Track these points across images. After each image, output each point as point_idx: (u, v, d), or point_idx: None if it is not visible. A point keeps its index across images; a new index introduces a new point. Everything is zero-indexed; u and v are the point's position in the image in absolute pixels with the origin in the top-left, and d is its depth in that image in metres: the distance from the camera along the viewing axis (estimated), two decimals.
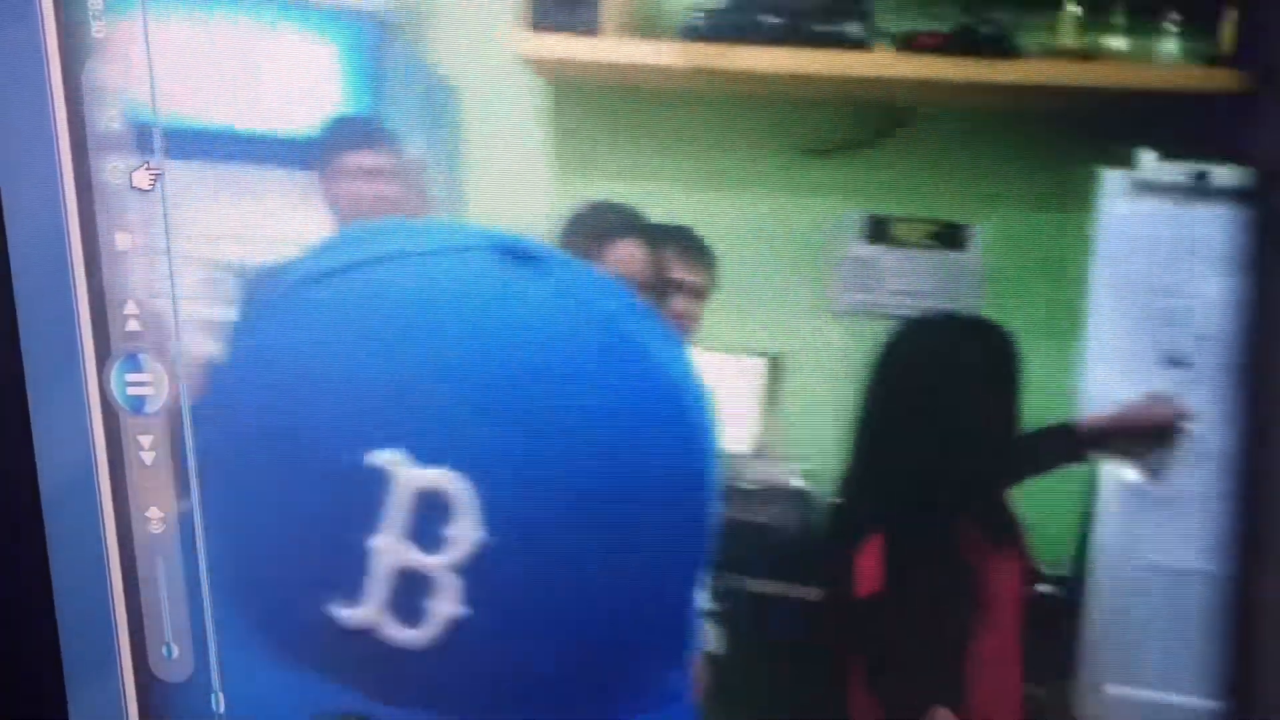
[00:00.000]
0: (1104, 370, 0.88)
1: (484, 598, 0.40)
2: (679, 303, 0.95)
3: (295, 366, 0.40)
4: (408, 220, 0.82)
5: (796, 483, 1.01)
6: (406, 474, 0.38)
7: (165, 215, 0.49)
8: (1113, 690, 0.92)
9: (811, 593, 0.97)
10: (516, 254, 0.41)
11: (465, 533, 0.40)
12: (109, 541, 0.51)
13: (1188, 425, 0.85)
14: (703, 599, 0.45)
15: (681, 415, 0.43)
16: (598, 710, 0.42)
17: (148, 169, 0.49)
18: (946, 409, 0.94)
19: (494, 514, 0.39)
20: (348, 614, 0.40)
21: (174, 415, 0.50)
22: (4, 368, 0.50)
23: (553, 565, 0.40)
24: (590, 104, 0.95)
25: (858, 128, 0.95)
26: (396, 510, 0.39)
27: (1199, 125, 0.86)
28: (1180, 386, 0.88)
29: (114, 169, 0.49)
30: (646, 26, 0.96)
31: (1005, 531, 0.93)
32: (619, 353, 0.42)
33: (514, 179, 0.91)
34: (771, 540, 1.00)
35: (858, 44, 0.91)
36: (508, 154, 0.91)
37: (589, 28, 0.90)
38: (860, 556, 0.94)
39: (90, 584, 0.52)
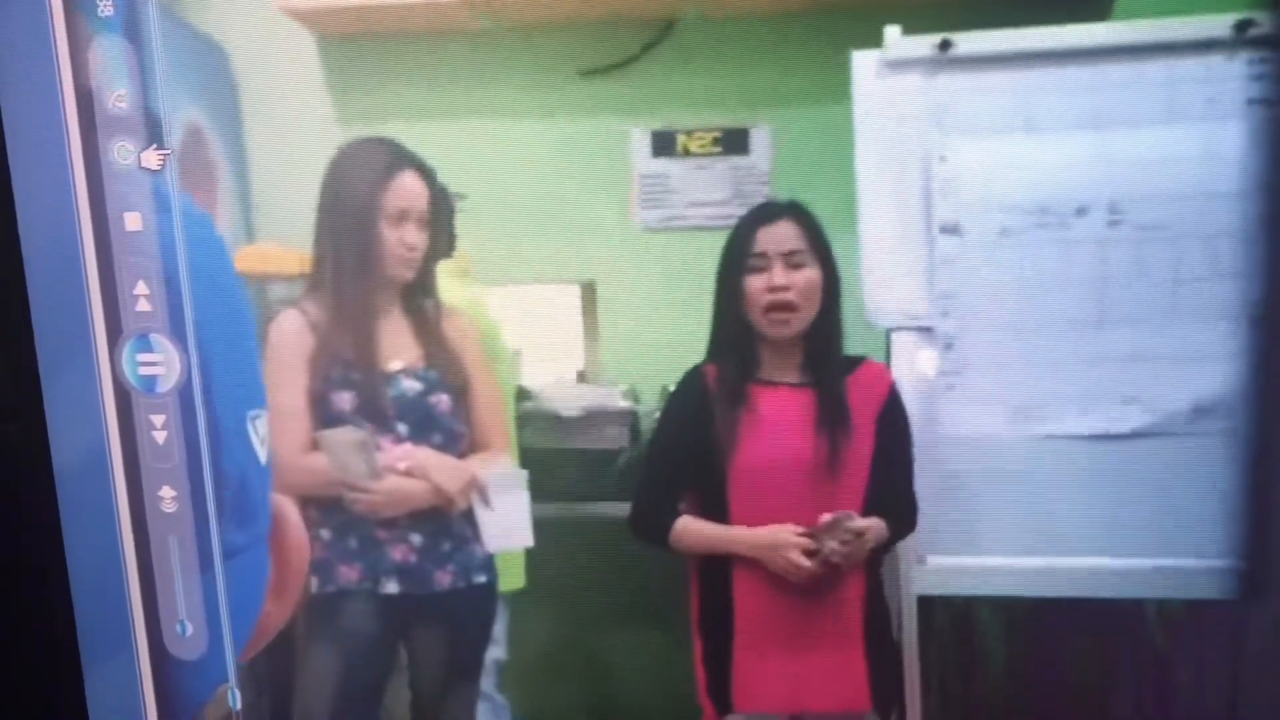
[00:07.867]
0: (881, 246, 0.90)
1: None
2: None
3: None
4: None
5: (621, 404, 1.02)
6: None
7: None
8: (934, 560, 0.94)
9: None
10: None
11: None
12: (122, 520, 0.51)
13: None
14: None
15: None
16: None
17: (156, 149, 0.48)
18: None
19: None
20: None
21: (185, 395, 0.50)
22: (17, 350, 0.50)
23: None
24: (360, 51, 0.96)
25: (625, 43, 0.97)
26: None
27: None
28: (955, 251, 0.90)
29: (122, 149, 0.49)
30: None
31: None
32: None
33: (293, 129, 0.91)
34: (601, 463, 1.01)
35: None
36: (284, 106, 0.91)
37: None
38: None
39: (105, 563, 0.52)
